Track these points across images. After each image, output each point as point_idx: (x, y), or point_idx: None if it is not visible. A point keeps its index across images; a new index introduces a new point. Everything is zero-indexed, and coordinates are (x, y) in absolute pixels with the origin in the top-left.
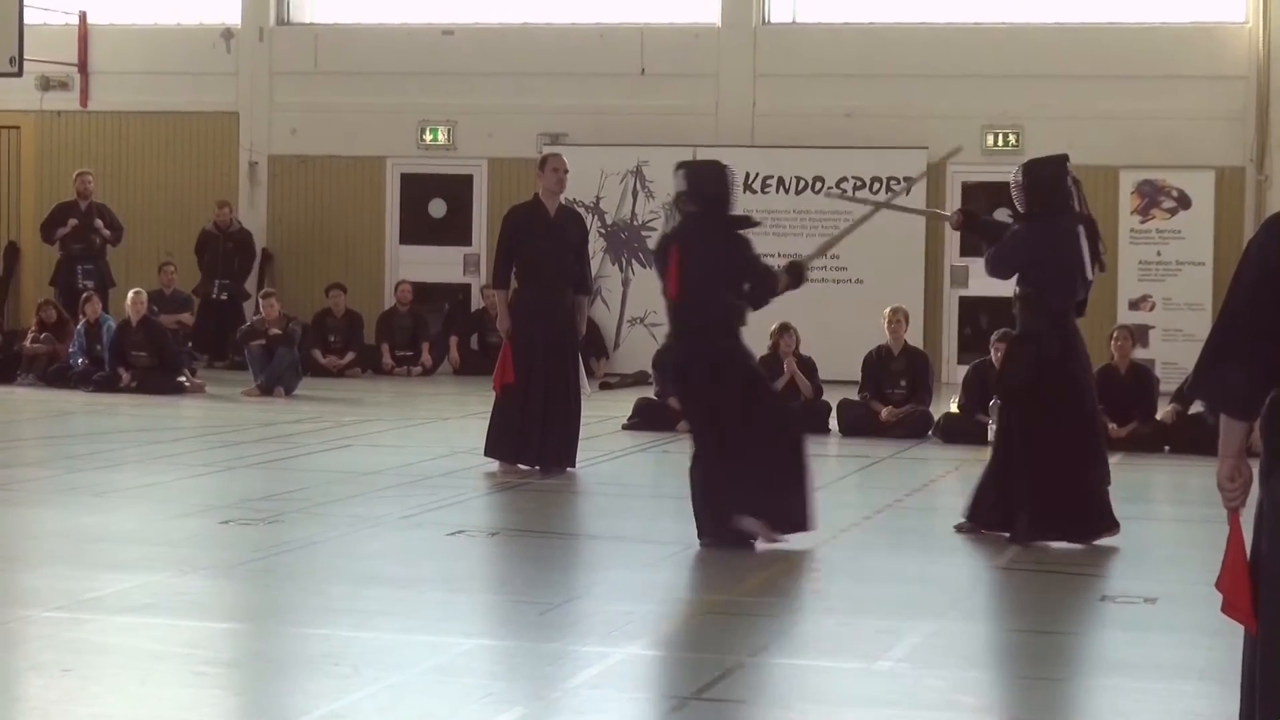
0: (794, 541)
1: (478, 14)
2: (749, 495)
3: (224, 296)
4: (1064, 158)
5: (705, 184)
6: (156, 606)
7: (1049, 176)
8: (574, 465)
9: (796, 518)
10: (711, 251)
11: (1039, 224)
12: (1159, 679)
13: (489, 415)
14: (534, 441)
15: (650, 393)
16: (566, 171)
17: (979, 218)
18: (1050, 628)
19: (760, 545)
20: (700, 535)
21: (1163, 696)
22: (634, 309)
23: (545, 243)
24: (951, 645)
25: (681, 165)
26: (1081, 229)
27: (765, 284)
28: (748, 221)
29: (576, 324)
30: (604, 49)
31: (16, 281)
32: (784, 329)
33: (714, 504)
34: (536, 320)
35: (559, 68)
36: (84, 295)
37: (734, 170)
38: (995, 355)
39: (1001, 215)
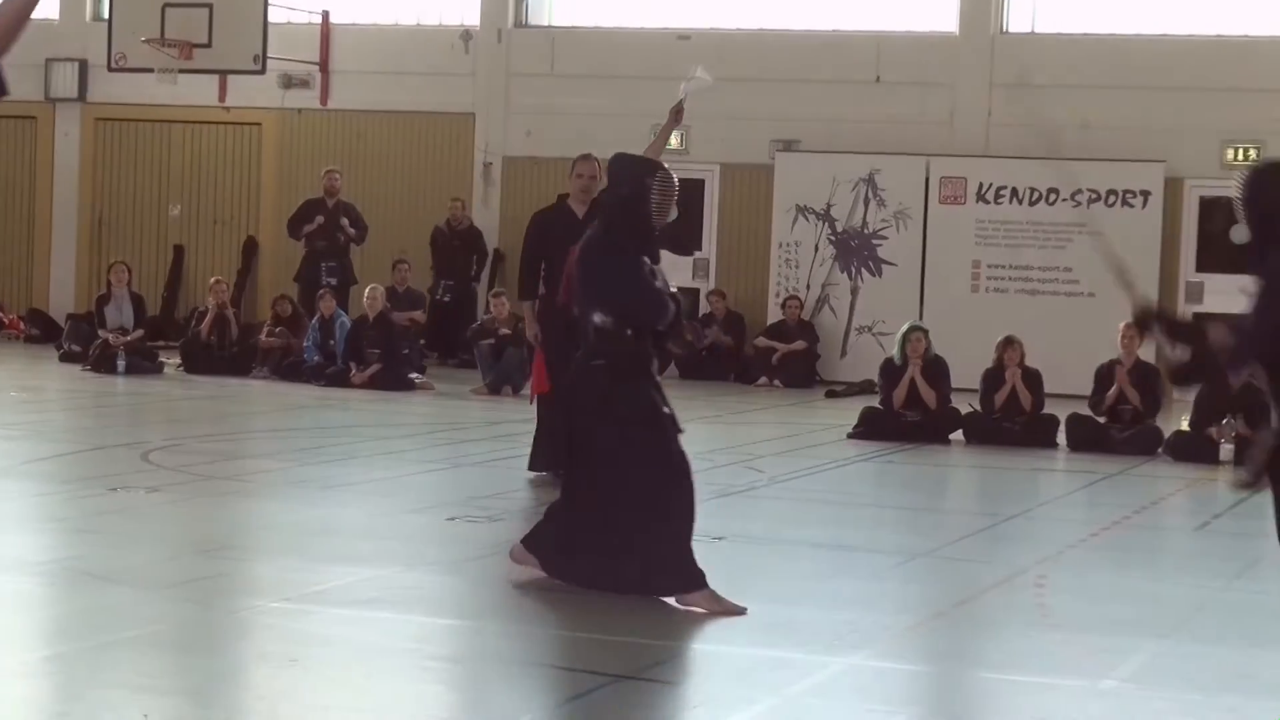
0: (1009, 559)
1: (713, 19)
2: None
3: (446, 298)
4: None
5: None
6: (382, 600)
7: None
8: None
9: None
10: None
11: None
12: None
13: (705, 424)
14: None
15: (876, 402)
16: (593, 177)
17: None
18: None
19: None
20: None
21: None
22: (862, 317)
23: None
24: (1178, 667)
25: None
26: None
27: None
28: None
29: None
30: (839, 56)
31: (254, 276)
32: (1009, 342)
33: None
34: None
35: (793, 74)
36: (320, 291)
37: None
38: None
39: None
